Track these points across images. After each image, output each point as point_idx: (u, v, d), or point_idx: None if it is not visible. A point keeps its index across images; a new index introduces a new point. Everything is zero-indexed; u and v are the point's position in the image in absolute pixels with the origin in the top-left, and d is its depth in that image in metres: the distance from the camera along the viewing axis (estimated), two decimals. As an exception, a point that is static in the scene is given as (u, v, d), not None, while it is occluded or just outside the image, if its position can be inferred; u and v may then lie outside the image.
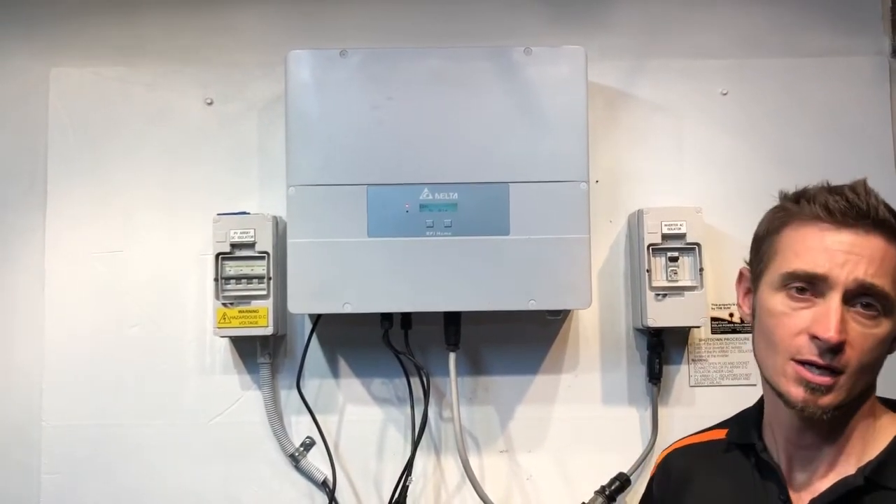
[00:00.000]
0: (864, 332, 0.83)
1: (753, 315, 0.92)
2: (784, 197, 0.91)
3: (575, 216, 1.30)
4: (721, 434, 1.04)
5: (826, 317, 0.82)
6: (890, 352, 0.88)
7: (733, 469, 0.98)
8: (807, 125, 1.48)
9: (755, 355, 0.92)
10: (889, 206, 0.85)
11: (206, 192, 1.46)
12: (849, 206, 0.83)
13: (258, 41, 1.49)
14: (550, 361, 1.45)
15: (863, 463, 0.87)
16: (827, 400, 0.84)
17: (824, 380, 0.83)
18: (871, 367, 0.85)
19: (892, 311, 0.83)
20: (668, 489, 1.07)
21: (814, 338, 0.83)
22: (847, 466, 0.88)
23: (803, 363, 0.84)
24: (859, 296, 0.83)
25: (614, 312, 1.46)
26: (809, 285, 0.84)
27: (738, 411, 1.04)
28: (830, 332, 0.81)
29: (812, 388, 0.83)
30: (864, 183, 0.86)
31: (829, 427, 0.88)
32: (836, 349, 0.82)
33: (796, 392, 0.85)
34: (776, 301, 0.87)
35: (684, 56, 1.49)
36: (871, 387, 0.89)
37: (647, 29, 1.50)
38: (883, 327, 0.83)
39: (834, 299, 0.82)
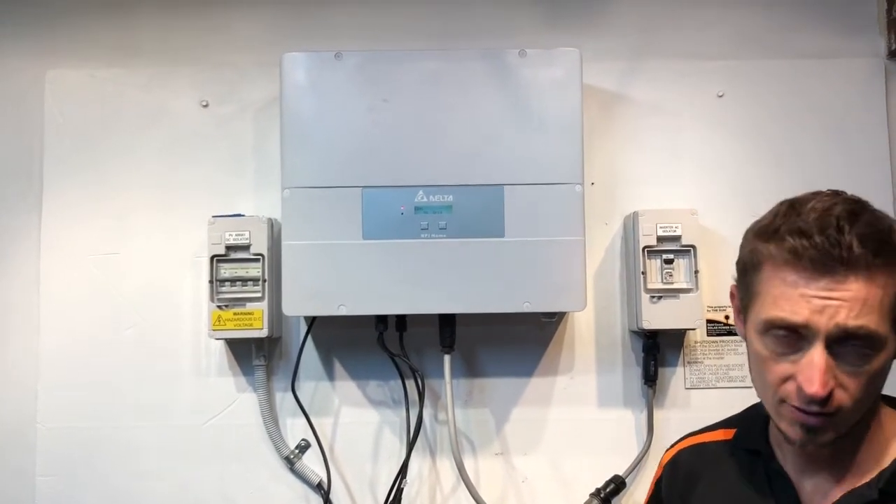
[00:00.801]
0: (854, 371, 0.79)
1: (747, 346, 0.89)
2: (755, 233, 0.86)
3: (570, 218, 1.30)
4: (729, 435, 1.02)
5: (810, 369, 0.78)
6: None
7: (743, 474, 0.96)
8: (803, 127, 1.48)
9: (753, 383, 0.89)
10: (868, 227, 0.79)
11: (201, 194, 1.46)
12: (818, 254, 0.77)
13: (253, 43, 1.49)
14: (546, 364, 1.45)
15: (874, 472, 0.85)
16: (825, 438, 0.81)
17: (819, 421, 0.80)
18: (869, 399, 0.82)
19: (884, 345, 0.79)
20: (674, 489, 1.04)
21: (800, 389, 0.79)
22: (858, 475, 0.86)
23: (794, 407, 0.81)
24: (845, 340, 0.78)
25: (610, 315, 1.46)
26: (792, 332, 0.80)
27: (745, 408, 1.01)
28: (815, 387, 0.77)
29: (808, 429, 0.81)
30: (835, 218, 0.78)
31: (845, 443, 0.86)
32: (824, 401, 0.78)
33: (793, 432, 0.82)
34: (762, 345, 0.84)
35: (680, 58, 1.49)
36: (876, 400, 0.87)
37: (643, 31, 1.50)
38: (875, 363, 0.79)
39: (817, 349, 0.78)
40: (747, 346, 0.88)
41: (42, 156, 1.47)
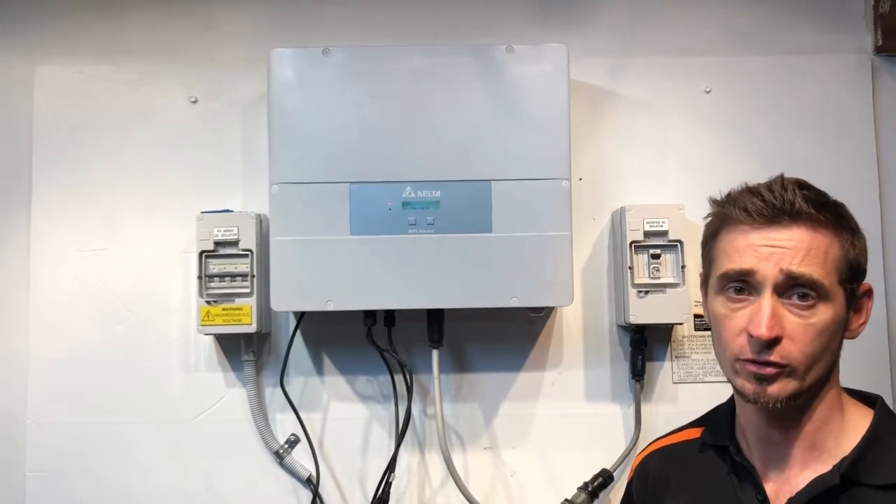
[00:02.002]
0: (802, 322, 0.85)
1: (709, 312, 0.94)
2: (713, 202, 0.95)
3: (557, 213, 1.30)
4: (696, 434, 1.05)
5: (758, 314, 0.85)
6: (849, 337, 0.90)
7: (710, 470, 0.99)
8: (790, 122, 1.49)
9: (716, 356, 0.94)
10: (814, 194, 0.88)
11: (190, 190, 1.46)
12: (764, 205, 0.86)
13: (242, 39, 1.50)
14: (534, 358, 1.46)
15: (837, 459, 0.88)
16: (775, 389, 0.85)
17: (768, 370, 0.85)
18: (818, 356, 0.86)
19: (828, 297, 0.85)
20: (646, 492, 1.07)
21: (750, 336, 0.85)
22: (821, 463, 0.89)
23: (747, 360, 0.86)
24: (791, 287, 0.85)
25: (597, 309, 1.46)
26: (744, 284, 0.87)
27: (712, 408, 1.05)
28: (762, 329, 0.83)
29: (759, 379, 0.86)
30: (780, 179, 0.89)
31: (795, 422, 0.90)
32: (770, 344, 0.84)
33: (747, 386, 0.87)
34: (718, 304, 0.90)
35: (667, 54, 1.50)
36: (830, 377, 0.90)
37: (630, 27, 1.50)
38: (821, 315, 0.85)
39: (765, 296, 0.85)
40: (710, 320, 0.93)
41: (31, 152, 1.47)
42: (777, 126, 1.49)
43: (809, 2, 1.51)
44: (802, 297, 0.85)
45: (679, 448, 1.06)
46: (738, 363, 0.87)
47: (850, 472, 0.87)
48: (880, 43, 1.50)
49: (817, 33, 1.51)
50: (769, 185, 0.89)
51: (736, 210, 0.89)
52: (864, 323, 0.91)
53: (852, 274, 0.88)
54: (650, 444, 1.12)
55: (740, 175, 1.42)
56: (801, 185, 0.88)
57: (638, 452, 1.12)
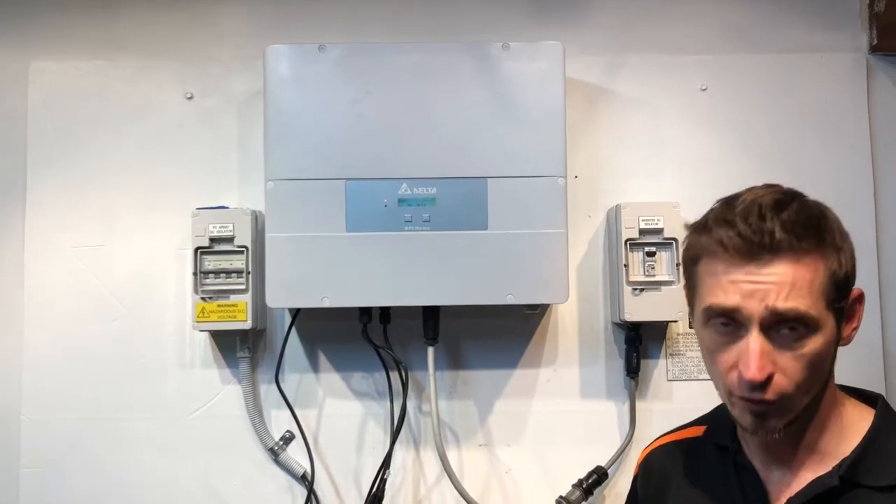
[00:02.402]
0: (793, 355, 0.81)
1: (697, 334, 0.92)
2: (691, 229, 0.90)
3: (552, 211, 1.31)
4: (699, 431, 1.05)
5: (747, 354, 0.81)
6: (842, 344, 0.88)
7: (713, 469, 0.98)
8: (785, 121, 1.49)
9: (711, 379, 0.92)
10: (793, 214, 0.82)
11: (185, 187, 1.46)
12: (742, 242, 0.81)
13: (238, 36, 1.50)
14: (529, 356, 1.46)
15: (837, 460, 0.87)
16: (774, 423, 0.84)
17: (764, 407, 0.83)
18: (812, 383, 0.84)
19: (818, 326, 0.81)
20: (650, 488, 1.07)
21: (741, 376, 0.82)
22: (821, 465, 0.88)
23: (741, 397, 0.84)
24: (779, 322, 0.81)
25: (593, 307, 1.46)
26: (730, 320, 0.83)
27: (715, 406, 1.04)
28: (752, 371, 0.80)
29: (756, 414, 0.84)
30: (758, 206, 0.82)
31: (794, 430, 0.88)
32: (763, 385, 0.81)
33: (744, 420, 0.85)
34: (706, 336, 0.87)
35: (663, 51, 1.50)
36: (825, 388, 0.88)
37: (626, 24, 1.51)
38: (812, 345, 0.81)
39: (752, 334, 0.81)
40: (700, 345, 0.91)
41: (25, 148, 1.47)
42: (772, 124, 1.49)
43: (805, 1, 1.52)
44: (792, 329, 0.81)
45: (682, 445, 1.05)
46: (732, 396, 0.85)
47: (850, 473, 0.86)
48: (875, 42, 1.50)
49: (813, 32, 1.52)
50: (745, 216, 0.82)
51: (712, 243, 0.84)
52: (857, 328, 0.88)
53: (840, 292, 0.84)
54: (655, 440, 1.11)
55: (735, 172, 1.46)
56: (778, 206, 0.82)
57: (643, 448, 1.12)
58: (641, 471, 1.11)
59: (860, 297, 0.88)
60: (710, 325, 0.86)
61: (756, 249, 0.81)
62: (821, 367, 0.84)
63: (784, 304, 0.80)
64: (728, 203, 0.86)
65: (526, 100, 1.31)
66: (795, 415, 0.84)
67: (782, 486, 0.90)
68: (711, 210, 0.88)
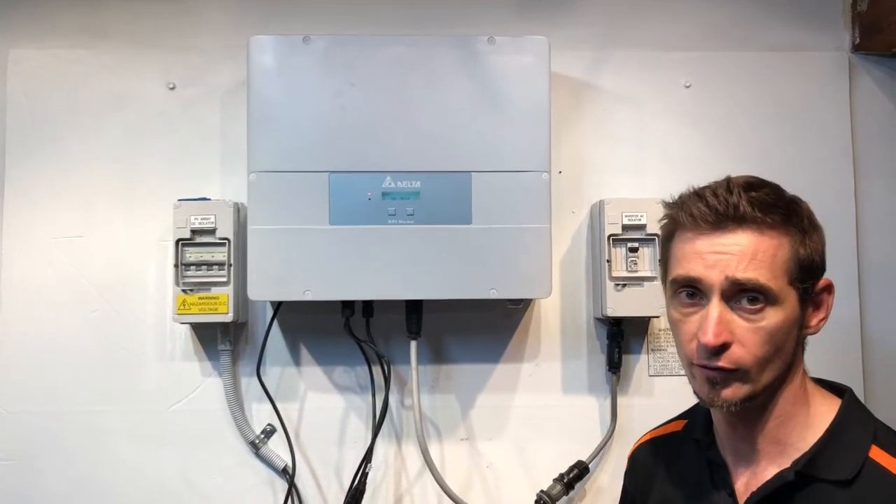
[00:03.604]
0: (751, 327, 0.84)
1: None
2: (665, 205, 0.94)
3: (536, 206, 1.31)
4: (679, 426, 1.07)
5: (706, 321, 0.84)
6: (809, 333, 0.89)
7: (689, 464, 1.00)
8: (768, 118, 1.50)
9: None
10: (763, 195, 0.85)
11: (167, 178, 1.45)
12: (709, 211, 0.85)
13: (221, 26, 1.48)
14: (512, 350, 1.46)
15: (800, 453, 0.88)
16: (728, 393, 0.86)
17: (721, 374, 0.85)
18: (771, 358, 0.85)
19: (778, 300, 0.84)
20: (636, 482, 1.10)
21: (698, 342, 0.85)
22: (786, 458, 0.89)
23: (700, 365, 0.86)
24: (739, 293, 0.84)
25: (575, 302, 1.47)
26: (695, 290, 0.86)
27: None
28: (708, 336, 0.83)
29: (712, 383, 0.86)
30: (726, 182, 0.87)
31: (756, 419, 0.90)
32: (719, 350, 0.83)
33: (702, 391, 0.88)
34: (672, 309, 0.91)
35: (648, 48, 1.50)
36: (789, 374, 0.89)
37: (611, 20, 1.51)
38: (771, 318, 0.84)
39: (713, 302, 0.84)
40: (669, 322, 0.93)
41: (4, 137, 1.45)
42: (755, 121, 1.50)
43: (788, 0, 1.52)
44: (751, 300, 0.84)
45: (665, 440, 1.07)
46: (692, 367, 0.88)
47: (807, 468, 0.86)
48: (857, 41, 1.51)
49: (796, 31, 1.53)
50: (714, 189, 0.86)
51: (683, 215, 0.88)
52: (825, 318, 0.89)
53: (804, 273, 0.86)
54: (643, 434, 1.13)
55: (718, 169, 1.42)
56: (749, 186, 0.86)
57: (619, 440, 1.14)
58: (629, 466, 1.13)
59: (829, 288, 0.89)
60: (675, 296, 0.89)
61: (721, 219, 0.84)
62: (780, 344, 0.85)
63: (743, 274, 0.83)
64: (703, 186, 0.90)
65: (511, 94, 1.31)
66: (753, 391, 0.86)
67: (748, 481, 0.92)
68: (685, 191, 0.92)
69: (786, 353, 0.87)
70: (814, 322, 0.89)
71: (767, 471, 0.90)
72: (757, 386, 0.86)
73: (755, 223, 0.84)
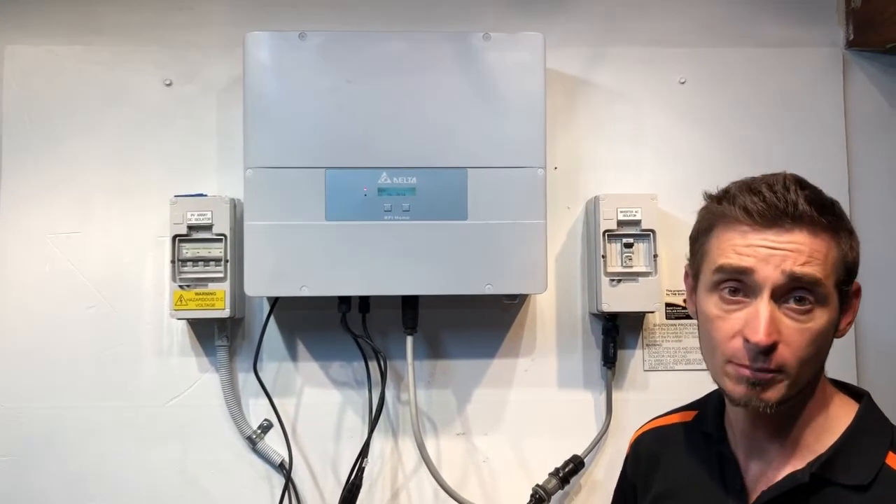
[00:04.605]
0: (799, 328, 0.82)
1: (697, 315, 0.92)
2: (708, 198, 0.91)
3: (532, 202, 1.31)
4: (689, 416, 1.05)
5: (756, 318, 0.81)
6: (837, 336, 0.87)
7: (696, 455, 0.99)
8: (763, 114, 1.51)
9: (702, 354, 0.92)
10: (814, 194, 0.84)
11: (163, 174, 1.45)
12: (766, 207, 0.82)
13: (217, 22, 1.48)
14: (508, 345, 1.47)
15: (814, 457, 0.86)
16: (770, 395, 0.83)
17: (764, 375, 0.82)
18: (812, 361, 0.84)
19: (826, 300, 0.82)
20: (638, 469, 1.09)
21: (746, 341, 0.82)
22: (800, 460, 0.88)
23: (741, 365, 0.84)
24: (790, 291, 0.82)
25: (571, 297, 1.47)
26: (740, 284, 0.84)
27: (709, 392, 1.03)
28: (759, 335, 0.80)
29: (752, 384, 0.83)
30: (782, 178, 0.85)
31: (780, 420, 0.89)
32: (767, 351, 0.81)
33: (738, 390, 0.84)
34: (710, 303, 0.87)
35: (643, 44, 1.51)
36: (818, 376, 0.88)
37: (607, 16, 1.51)
38: (818, 320, 0.82)
39: (763, 299, 0.81)
40: (698, 317, 0.91)
41: (0, 133, 1.45)
42: (749, 118, 1.51)
43: (783, -4, 1.53)
44: (800, 300, 0.82)
45: (671, 430, 1.06)
46: (729, 366, 0.85)
47: (822, 470, 0.85)
48: (852, 37, 1.52)
49: (791, 27, 1.53)
50: (770, 184, 0.84)
51: (735, 209, 0.84)
52: (851, 322, 0.88)
53: (848, 276, 0.85)
54: (646, 422, 1.12)
55: (713, 165, 1.48)
56: (802, 185, 0.84)
57: (636, 430, 1.13)
58: (631, 452, 1.12)
59: (858, 291, 0.89)
60: (717, 290, 0.86)
61: (779, 216, 0.82)
62: (822, 346, 0.84)
63: (801, 269, 0.81)
64: (748, 180, 0.88)
65: (506, 90, 1.31)
66: (790, 393, 0.84)
67: (760, 479, 0.90)
68: (733, 184, 0.89)
69: (823, 355, 0.86)
70: (843, 325, 0.87)
71: (780, 471, 0.88)
72: (794, 388, 0.84)
73: (811, 223, 0.82)
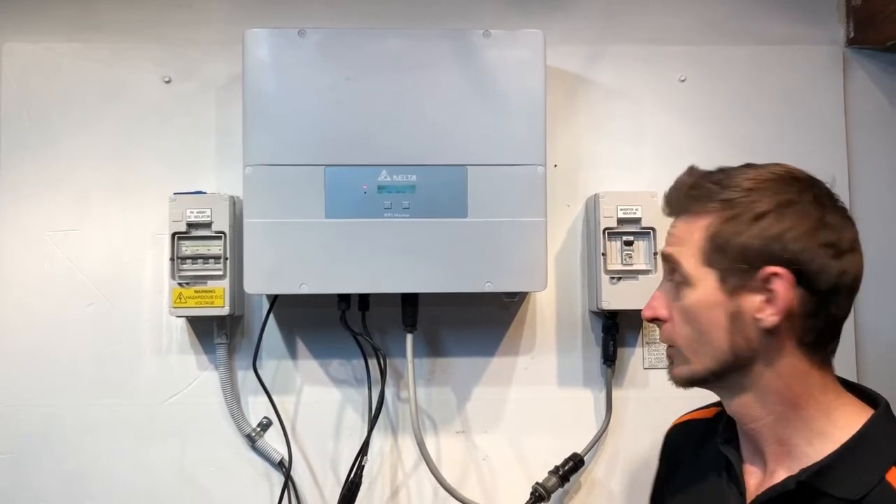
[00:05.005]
0: (675, 305, 0.89)
1: None
2: None
3: (532, 199, 1.31)
4: (711, 413, 1.05)
5: None
6: (762, 326, 0.83)
7: (708, 452, 0.98)
8: (763, 112, 1.51)
9: None
10: (695, 182, 0.89)
11: (162, 171, 1.44)
12: (666, 199, 0.93)
13: (217, 19, 1.48)
14: (507, 343, 1.46)
15: (810, 463, 0.83)
16: (674, 371, 0.92)
17: (667, 352, 0.94)
18: (700, 340, 0.86)
19: (689, 280, 0.86)
20: (665, 464, 1.10)
21: None
22: (796, 464, 0.85)
23: None
24: (671, 272, 0.91)
25: (570, 295, 1.47)
26: None
27: None
28: (644, 309, 0.93)
29: (667, 357, 0.94)
30: (687, 170, 0.91)
31: (750, 415, 0.88)
32: (660, 326, 0.92)
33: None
34: None
35: (643, 42, 1.50)
36: (755, 366, 0.85)
37: (606, 14, 1.51)
38: (686, 298, 0.87)
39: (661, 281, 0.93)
40: None
41: (-1, 130, 1.45)
42: (749, 116, 1.50)
43: (783, -6, 1.53)
44: (671, 280, 0.90)
45: (697, 425, 1.06)
46: None
47: (813, 479, 0.82)
48: (852, 35, 1.52)
49: (790, 24, 1.53)
50: (676, 181, 0.92)
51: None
52: (777, 312, 0.82)
53: (727, 256, 0.83)
54: (682, 415, 1.11)
55: (713, 163, 1.46)
56: (698, 173, 0.90)
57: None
58: (662, 446, 1.12)
59: (774, 276, 0.82)
60: None
61: (673, 206, 0.93)
62: (706, 328, 0.86)
63: (666, 249, 0.91)
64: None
65: (506, 88, 1.31)
66: (691, 373, 0.89)
67: (759, 482, 0.89)
68: None
69: (720, 340, 0.85)
70: (761, 314, 0.83)
71: (777, 474, 0.86)
72: (695, 369, 0.88)
73: (689, 213, 0.89)
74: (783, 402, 0.86)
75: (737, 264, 0.83)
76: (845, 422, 0.84)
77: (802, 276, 0.82)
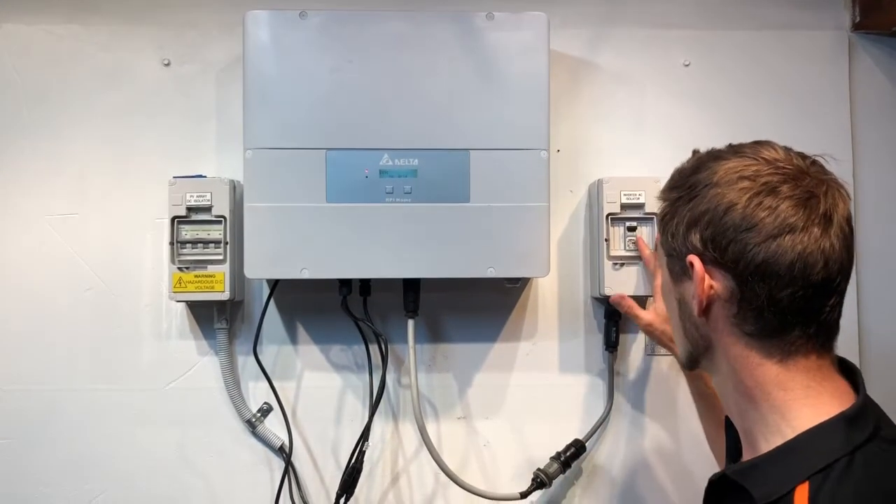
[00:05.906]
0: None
1: None
2: None
3: (535, 184, 1.30)
4: None
5: None
6: (694, 312, 0.83)
7: (731, 426, 0.96)
8: (767, 98, 1.50)
9: None
10: (686, 171, 0.89)
11: (162, 155, 1.43)
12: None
13: (217, 1, 1.46)
14: (509, 329, 1.46)
15: (754, 456, 0.81)
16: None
17: None
18: (672, 326, 0.93)
19: (657, 268, 0.93)
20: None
21: None
22: (749, 454, 0.84)
23: None
24: None
25: (573, 281, 1.46)
26: None
27: None
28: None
29: None
30: (692, 154, 0.93)
31: (729, 407, 0.87)
32: None
33: None
34: None
35: (647, 26, 1.49)
36: (708, 351, 0.86)
37: (611, -3, 1.50)
38: (658, 279, 0.95)
39: None
40: None
41: (-4, 113, 1.43)
42: (754, 101, 1.49)
43: (789, -23, 1.52)
44: None
45: None
46: None
47: (737, 475, 0.80)
48: (858, 20, 1.50)
49: (796, 9, 1.51)
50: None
51: None
52: (696, 297, 0.82)
53: (667, 243, 0.88)
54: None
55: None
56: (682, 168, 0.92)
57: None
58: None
59: (690, 266, 0.82)
60: None
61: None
62: (671, 314, 0.92)
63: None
64: None
65: (509, 71, 1.30)
66: (679, 358, 0.93)
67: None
68: None
69: (679, 325, 0.90)
70: (693, 300, 0.83)
71: (745, 457, 0.86)
72: (678, 352, 0.93)
73: (664, 201, 0.92)
74: (739, 393, 0.84)
75: (672, 250, 0.87)
76: (800, 423, 0.78)
77: (718, 262, 0.80)
